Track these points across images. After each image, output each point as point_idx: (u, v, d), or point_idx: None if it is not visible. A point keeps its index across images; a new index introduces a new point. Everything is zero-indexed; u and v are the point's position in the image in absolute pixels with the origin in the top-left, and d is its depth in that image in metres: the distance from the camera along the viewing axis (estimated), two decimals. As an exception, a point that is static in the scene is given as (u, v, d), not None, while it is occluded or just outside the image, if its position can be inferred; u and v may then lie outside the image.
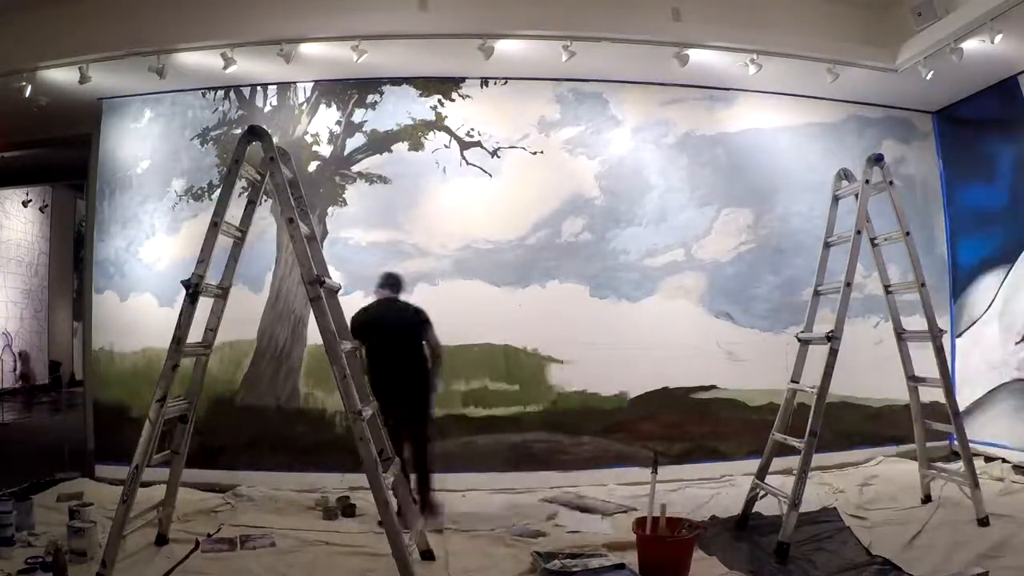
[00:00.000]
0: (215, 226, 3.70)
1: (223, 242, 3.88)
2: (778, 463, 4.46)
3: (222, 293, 4.00)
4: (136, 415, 5.70)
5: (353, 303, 5.63)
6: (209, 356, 4.06)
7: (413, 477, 4.49)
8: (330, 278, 3.83)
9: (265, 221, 5.82)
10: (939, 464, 4.92)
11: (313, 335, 5.64)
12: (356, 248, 5.79)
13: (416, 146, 5.86)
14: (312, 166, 5.87)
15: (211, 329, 4.02)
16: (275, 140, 5.86)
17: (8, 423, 8.54)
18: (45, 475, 5.39)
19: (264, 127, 3.79)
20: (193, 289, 3.63)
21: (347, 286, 5.52)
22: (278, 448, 5.61)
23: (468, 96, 5.89)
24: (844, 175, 4.63)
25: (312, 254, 3.65)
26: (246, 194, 4.24)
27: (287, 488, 5.33)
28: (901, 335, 4.68)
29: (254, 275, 5.78)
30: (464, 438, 5.61)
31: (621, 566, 3.57)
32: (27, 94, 5.42)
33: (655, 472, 3.75)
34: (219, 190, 3.98)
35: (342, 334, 3.69)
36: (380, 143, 5.87)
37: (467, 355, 5.70)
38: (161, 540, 4.03)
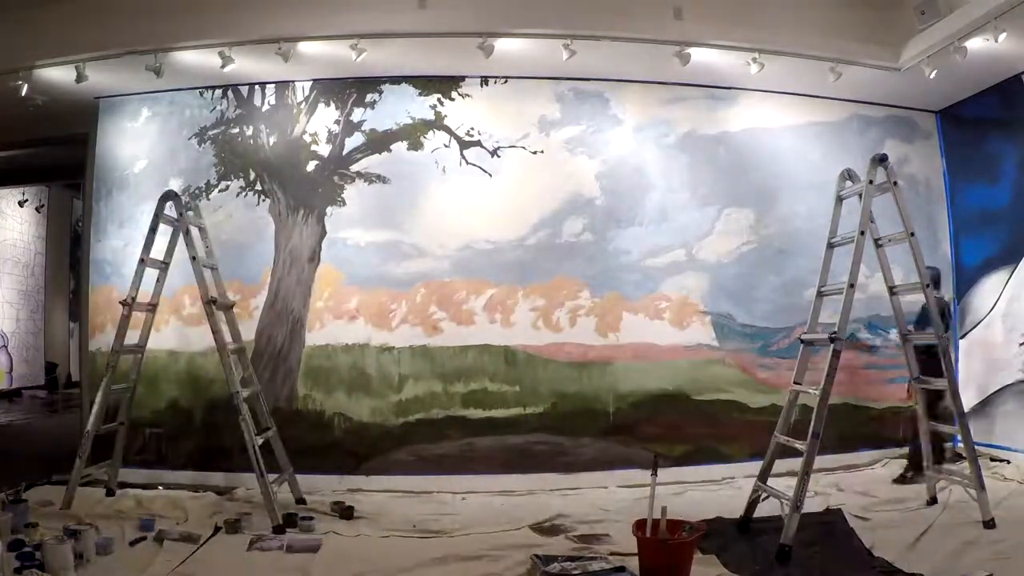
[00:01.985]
0: (142, 262, 5.07)
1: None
2: (781, 465, 4.41)
3: (152, 308, 5.29)
4: (134, 418, 5.67)
5: (351, 303, 5.68)
6: (143, 353, 5.34)
7: None
8: (225, 297, 5.22)
9: (264, 221, 5.82)
10: (945, 466, 4.89)
11: (311, 337, 5.66)
12: (355, 248, 5.76)
13: (415, 145, 5.82)
14: (311, 166, 5.85)
15: (145, 335, 5.30)
16: (273, 140, 5.92)
17: (4, 424, 8.51)
18: (41, 477, 5.36)
19: (176, 191, 5.22)
20: (128, 309, 5.04)
21: (346, 286, 5.69)
22: (275, 450, 5.56)
23: (468, 95, 5.86)
24: (848, 175, 4.60)
25: (213, 279, 5.16)
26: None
27: (285, 490, 5.30)
28: (906, 337, 4.65)
29: (252, 275, 5.77)
30: (464, 440, 5.58)
31: (621, 569, 3.55)
32: (23, 93, 5.40)
33: (655, 474, 3.72)
34: (147, 232, 5.11)
35: (235, 339, 5.17)
36: (379, 142, 5.83)
37: (466, 356, 5.68)
38: (109, 493, 4.95)
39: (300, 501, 5.01)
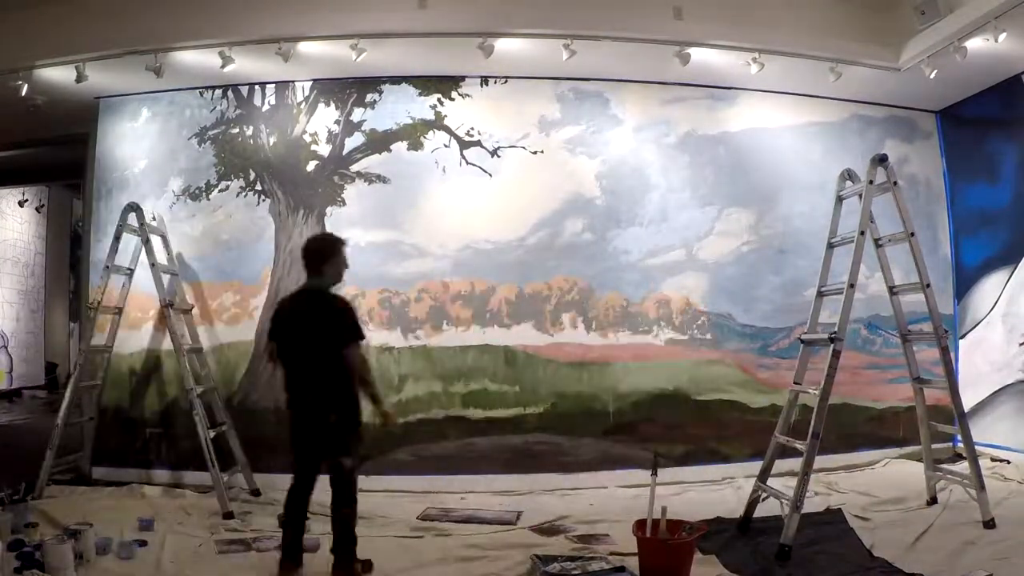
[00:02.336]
0: (107, 268, 5.42)
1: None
2: (781, 465, 4.42)
3: (118, 311, 5.63)
4: (134, 417, 5.71)
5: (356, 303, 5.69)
6: (111, 353, 5.65)
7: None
8: (184, 302, 5.67)
9: (264, 221, 5.82)
10: (945, 466, 4.90)
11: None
12: (355, 248, 5.66)
13: (415, 145, 5.83)
14: (311, 166, 5.85)
15: (112, 336, 5.62)
16: (273, 140, 5.94)
17: (4, 424, 8.51)
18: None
19: (138, 204, 5.46)
20: (93, 312, 5.41)
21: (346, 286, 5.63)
22: (276, 449, 5.54)
23: (468, 95, 5.86)
24: (848, 175, 4.60)
25: (172, 284, 5.57)
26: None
27: (283, 488, 5.29)
28: (906, 336, 4.65)
29: (252, 275, 5.78)
30: (464, 440, 5.58)
31: (621, 569, 3.55)
32: (23, 93, 5.41)
33: (655, 474, 3.73)
34: (112, 240, 5.45)
35: (193, 340, 5.60)
36: (379, 142, 5.83)
37: (466, 356, 5.68)
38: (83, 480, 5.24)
39: (255, 492, 5.28)
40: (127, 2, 5.27)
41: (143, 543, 4.02)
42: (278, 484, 5.31)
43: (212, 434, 4.98)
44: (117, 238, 5.37)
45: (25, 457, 4.89)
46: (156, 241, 5.58)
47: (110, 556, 3.83)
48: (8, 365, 10.78)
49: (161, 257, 5.58)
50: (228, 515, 4.60)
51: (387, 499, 5.15)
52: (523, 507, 4.93)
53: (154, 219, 5.72)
